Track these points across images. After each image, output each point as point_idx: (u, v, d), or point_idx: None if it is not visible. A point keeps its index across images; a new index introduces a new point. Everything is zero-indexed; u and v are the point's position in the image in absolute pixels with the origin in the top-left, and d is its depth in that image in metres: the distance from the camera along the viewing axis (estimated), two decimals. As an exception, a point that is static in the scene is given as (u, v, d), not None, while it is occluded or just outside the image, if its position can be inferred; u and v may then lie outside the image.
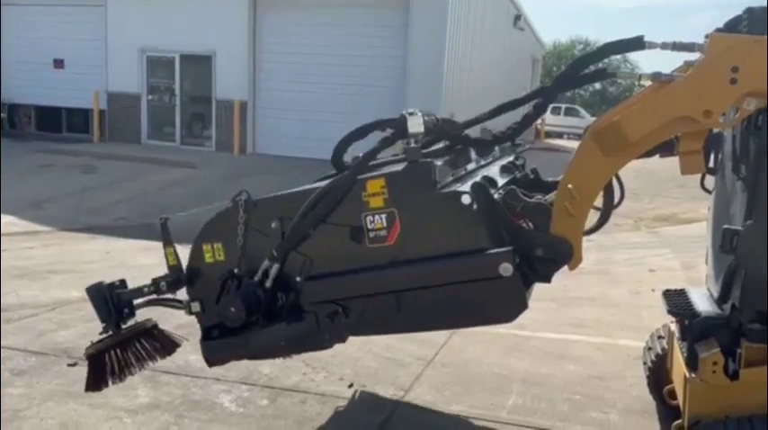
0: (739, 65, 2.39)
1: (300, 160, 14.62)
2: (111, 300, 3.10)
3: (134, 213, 10.75)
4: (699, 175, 3.36)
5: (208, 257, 2.98)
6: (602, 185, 2.78)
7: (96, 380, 3.10)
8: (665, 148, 2.91)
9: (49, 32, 17.28)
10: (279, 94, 15.52)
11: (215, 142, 16.47)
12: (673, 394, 3.37)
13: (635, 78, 2.61)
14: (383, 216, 2.64)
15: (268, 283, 2.82)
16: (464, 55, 15.82)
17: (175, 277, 3.05)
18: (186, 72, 16.86)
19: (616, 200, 3.00)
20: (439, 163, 2.76)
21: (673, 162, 2.76)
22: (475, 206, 2.58)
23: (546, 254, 2.68)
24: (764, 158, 2.60)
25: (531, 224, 2.79)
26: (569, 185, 2.68)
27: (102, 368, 3.08)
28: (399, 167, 2.71)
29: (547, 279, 2.78)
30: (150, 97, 17.14)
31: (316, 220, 2.73)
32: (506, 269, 2.49)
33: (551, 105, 33.11)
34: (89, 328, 5.22)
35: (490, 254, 2.53)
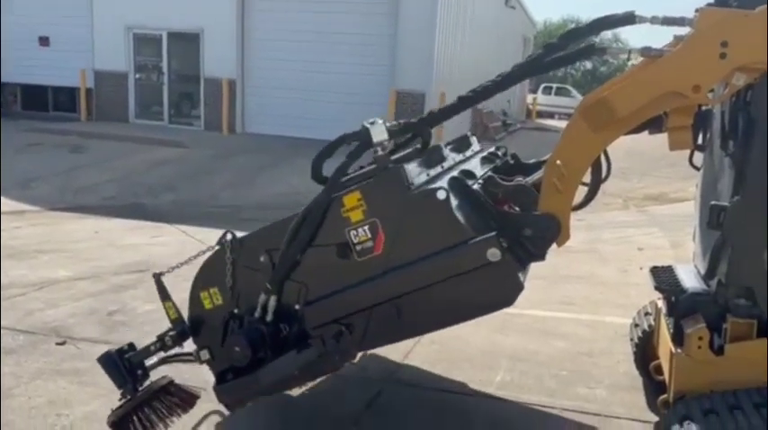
0: (729, 39, 2.38)
1: (291, 139, 14.54)
2: (123, 366, 3.13)
3: (123, 193, 10.68)
4: (688, 154, 3.37)
5: (207, 304, 3.02)
6: (591, 161, 2.77)
7: None
8: (654, 125, 2.90)
9: (34, 9, 16.97)
10: (268, 73, 15.36)
11: (204, 121, 16.33)
12: (659, 369, 3.40)
13: (625, 53, 2.59)
14: (366, 227, 2.66)
15: (269, 317, 2.85)
16: (455, 34, 15.70)
17: (179, 330, 3.07)
18: (174, 50, 16.64)
19: (603, 176, 3.00)
20: (412, 165, 2.79)
21: (663, 141, 2.76)
22: (453, 200, 2.60)
23: (534, 232, 2.70)
24: (752, 134, 2.60)
25: (516, 208, 2.81)
26: (558, 162, 2.68)
27: None
28: (372, 177, 2.73)
29: (540, 257, 2.79)
30: (138, 76, 16.93)
31: (301, 246, 2.76)
32: (494, 254, 2.50)
33: (542, 84, 33.30)
34: (77, 307, 5.24)
35: (475, 242, 2.54)
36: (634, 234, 8.29)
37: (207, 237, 7.68)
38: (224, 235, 2.96)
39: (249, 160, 13.02)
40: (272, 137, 14.93)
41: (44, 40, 17.43)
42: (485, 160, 3.44)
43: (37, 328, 4.76)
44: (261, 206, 10.02)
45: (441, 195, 2.57)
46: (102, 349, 4.38)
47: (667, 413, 2.77)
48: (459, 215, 2.58)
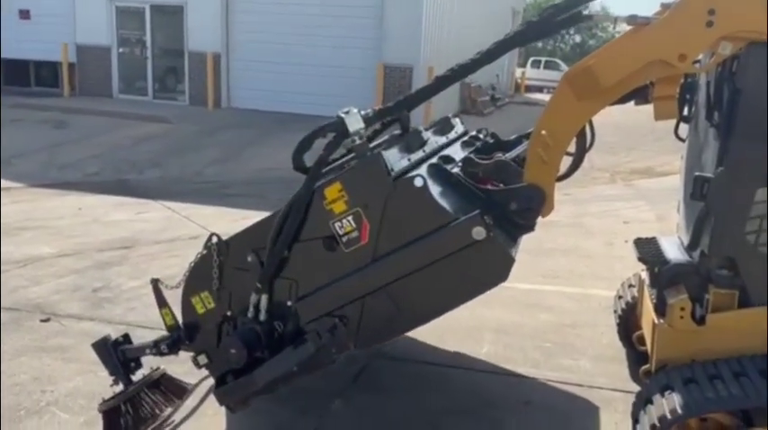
0: (716, 7, 2.36)
1: (277, 114, 14.41)
2: (117, 358, 3.15)
3: (107, 169, 10.56)
4: (674, 127, 3.36)
5: (199, 309, 3.00)
6: (576, 131, 2.76)
7: None
8: (640, 96, 2.89)
9: (13, -20, 16.59)
10: (253, 46, 15.12)
11: (188, 96, 16.09)
12: (642, 340, 3.44)
13: (611, 21, 2.56)
14: (350, 218, 2.65)
15: (262, 316, 2.83)
16: (443, 6, 15.50)
17: (175, 337, 3.06)
18: (157, 23, 16.31)
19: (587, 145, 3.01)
20: (391, 151, 2.78)
21: (650, 116, 2.74)
22: (434, 186, 2.61)
23: (520, 205, 2.71)
24: (737, 105, 2.58)
25: (500, 184, 2.82)
26: (543, 132, 2.67)
27: (117, 423, 3.12)
28: (351, 166, 2.71)
29: (530, 228, 2.80)
30: (121, 50, 16.61)
31: (287, 242, 2.74)
32: (479, 233, 2.49)
33: (531, 58, 33.10)
34: (61, 284, 5.20)
35: (459, 222, 2.53)
36: (620, 207, 8.32)
37: (193, 214, 7.68)
38: (209, 238, 2.93)
39: (235, 135, 12.90)
40: (258, 112, 14.78)
41: (24, 13, 17.02)
42: (465, 144, 3.44)
43: (21, 305, 4.72)
44: (248, 182, 9.96)
45: (418, 183, 2.57)
46: (87, 326, 4.43)
47: (649, 382, 2.80)
48: (440, 200, 2.59)
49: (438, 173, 2.76)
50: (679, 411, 2.52)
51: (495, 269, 2.61)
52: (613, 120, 12.33)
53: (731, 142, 2.63)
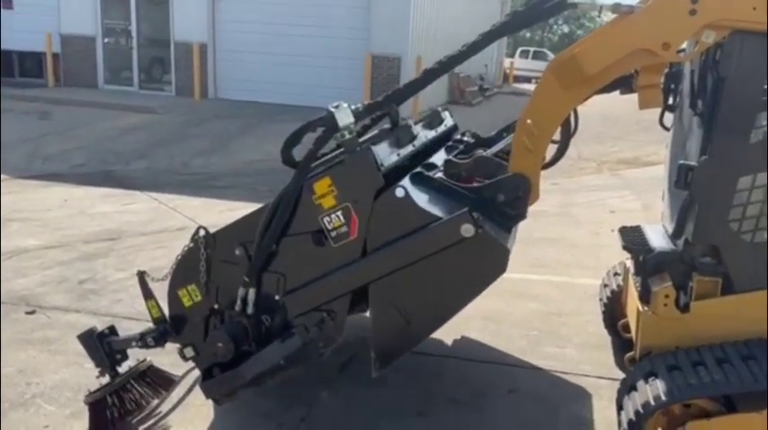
0: (699, -5, 2.36)
1: (264, 105, 14.33)
2: (103, 350, 3.13)
3: (93, 160, 10.48)
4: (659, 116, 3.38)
5: (186, 301, 2.98)
6: (561, 120, 2.77)
7: (98, 427, 3.12)
8: (625, 85, 2.90)
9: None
10: (240, 36, 14.99)
11: (175, 87, 15.94)
12: (627, 328, 3.47)
13: (596, 9, 2.56)
14: (339, 213, 2.64)
15: (249, 310, 2.82)
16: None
17: (162, 330, 3.04)
18: (143, 13, 16.13)
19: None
20: (381, 146, 2.78)
21: (637, 106, 2.75)
22: (420, 194, 2.64)
23: (507, 195, 2.73)
24: (720, 93, 2.60)
25: (485, 180, 2.83)
26: (528, 121, 2.67)
27: (103, 415, 3.11)
28: (341, 161, 2.70)
29: (521, 216, 2.82)
30: (106, 40, 16.41)
31: (275, 236, 2.73)
32: (468, 230, 2.50)
33: (520, 49, 33.08)
34: (47, 276, 5.16)
35: (448, 220, 2.55)
36: (607, 197, 8.37)
37: (180, 205, 7.64)
38: (197, 231, 2.91)
39: (222, 126, 12.82)
40: (245, 102, 14.68)
41: (7, 2, 16.74)
42: (449, 149, 3.46)
43: (6, 298, 4.69)
44: (235, 173, 9.91)
45: (399, 193, 2.58)
46: (73, 318, 4.40)
47: (633, 369, 2.83)
48: (426, 206, 2.61)
49: (422, 181, 2.78)
50: (663, 398, 2.54)
51: (492, 262, 2.62)
52: (600, 109, 12.37)
53: (715, 131, 2.64)
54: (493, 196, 2.72)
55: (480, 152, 3.01)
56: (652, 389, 2.59)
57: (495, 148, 3.21)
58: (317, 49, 14.38)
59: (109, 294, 4.84)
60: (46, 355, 3.86)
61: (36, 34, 16.22)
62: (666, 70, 3.06)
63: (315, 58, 14.41)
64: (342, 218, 2.64)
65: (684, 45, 2.71)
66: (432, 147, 3.39)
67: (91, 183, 8.77)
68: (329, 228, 2.66)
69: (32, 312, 4.48)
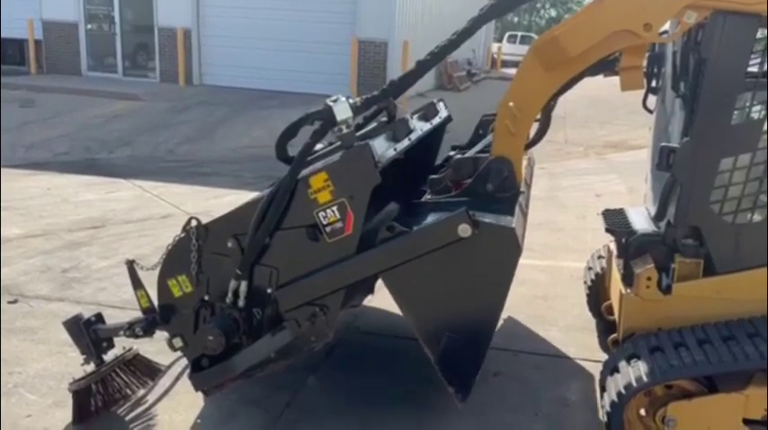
0: (680, -24, 2.35)
1: (249, 91, 14.21)
2: (89, 337, 3.10)
3: (76, 148, 10.36)
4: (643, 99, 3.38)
5: (176, 292, 2.95)
6: (544, 102, 2.76)
7: (82, 415, 3.09)
8: (608, 67, 2.89)
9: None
10: (224, 21, 14.82)
11: (159, 73, 15.78)
12: (610, 310, 3.49)
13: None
14: (334, 208, 2.61)
15: (240, 302, 2.80)
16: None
17: (150, 320, 3.00)
18: (126, -2, 15.96)
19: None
20: (378, 140, 2.76)
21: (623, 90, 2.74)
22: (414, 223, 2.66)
23: (494, 181, 2.75)
24: (702, 74, 2.59)
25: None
26: (510, 104, 2.66)
27: (87, 403, 3.09)
28: (338, 156, 2.66)
29: (517, 193, 2.82)
30: (89, 26, 16.21)
31: (269, 229, 2.70)
32: (465, 230, 2.50)
33: (507, 33, 33.00)
34: (29, 265, 5.11)
35: (446, 219, 2.55)
36: (593, 181, 8.39)
37: (164, 192, 7.58)
38: (188, 221, 2.87)
39: (207, 113, 12.71)
40: (230, 88, 14.54)
41: (-14, -12, 16.50)
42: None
43: (-13, 287, 4.64)
44: (221, 160, 9.83)
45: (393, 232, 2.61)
46: (56, 307, 4.36)
47: (616, 351, 2.84)
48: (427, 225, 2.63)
49: (413, 211, 2.80)
50: (645, 379, 2.56)
51: (503, 247, 2.59)
52: (588, 93, 12.36)
53: (696, 112, 2.64)
54: (483, 188, 2.73)
55: (455, 155, 3.02)
56: (634, 371, 2.61)
57: (473, 150, 3.23)
58: (303, 35, 14.26)
59: (93, 283, 4.80)
60: (28, 344, 3.83)
61: (17, 21, 15.98)
62: (649, 53, 3.05)
63: (301, 44, 14.29)
64: (337, 213, 2.61)
65: (667, 26, 2.70)
66: (427, 139, 3.39)
67: (74, 171, 8.67)
68: (324, 223, 2.63)
69: (15, 301, 4.44)
